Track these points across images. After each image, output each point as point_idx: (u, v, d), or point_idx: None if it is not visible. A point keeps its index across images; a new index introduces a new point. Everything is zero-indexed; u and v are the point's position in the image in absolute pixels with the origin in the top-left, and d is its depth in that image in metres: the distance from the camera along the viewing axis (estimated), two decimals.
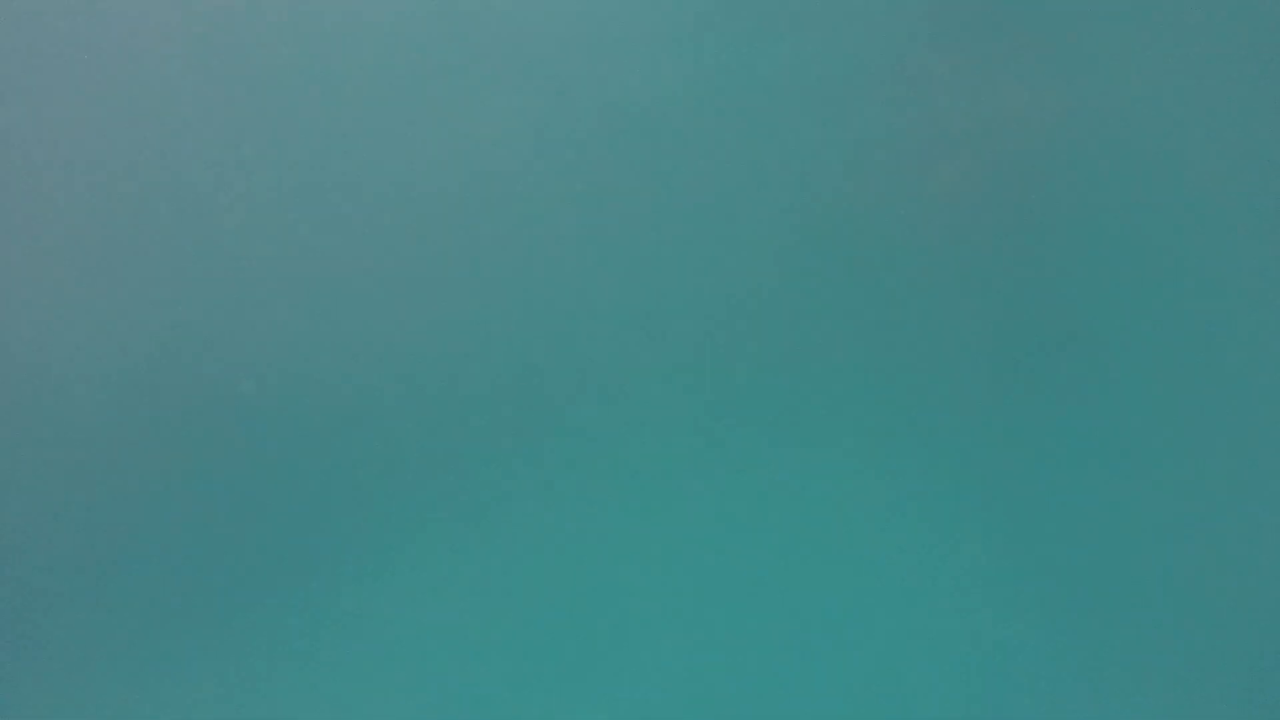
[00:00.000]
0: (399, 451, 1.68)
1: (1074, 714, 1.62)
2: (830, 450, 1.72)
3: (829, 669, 1.65)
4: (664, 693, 1.63)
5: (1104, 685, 1.63)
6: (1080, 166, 1.80)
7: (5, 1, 1.74)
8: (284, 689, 1.59)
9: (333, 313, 1.71)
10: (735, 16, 1.83)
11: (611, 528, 1.67)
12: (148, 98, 1.74)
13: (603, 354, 1.72)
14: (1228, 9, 1.83)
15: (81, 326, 1.68)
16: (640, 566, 1.67)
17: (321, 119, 1.77)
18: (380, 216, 1.74)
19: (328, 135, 1.75)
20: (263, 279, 1.72)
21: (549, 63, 1.80)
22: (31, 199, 1.72)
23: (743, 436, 1.71)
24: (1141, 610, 1.66)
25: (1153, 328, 1.77)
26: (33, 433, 1.66)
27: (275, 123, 1.76)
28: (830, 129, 1.79)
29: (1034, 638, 1.64)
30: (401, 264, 1.74)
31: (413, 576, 1.64)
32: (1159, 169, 1.81)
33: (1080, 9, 1.85)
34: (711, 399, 1.73)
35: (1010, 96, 1.82)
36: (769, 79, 1.81)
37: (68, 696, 1.57)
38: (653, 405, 1.72)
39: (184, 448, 1.66)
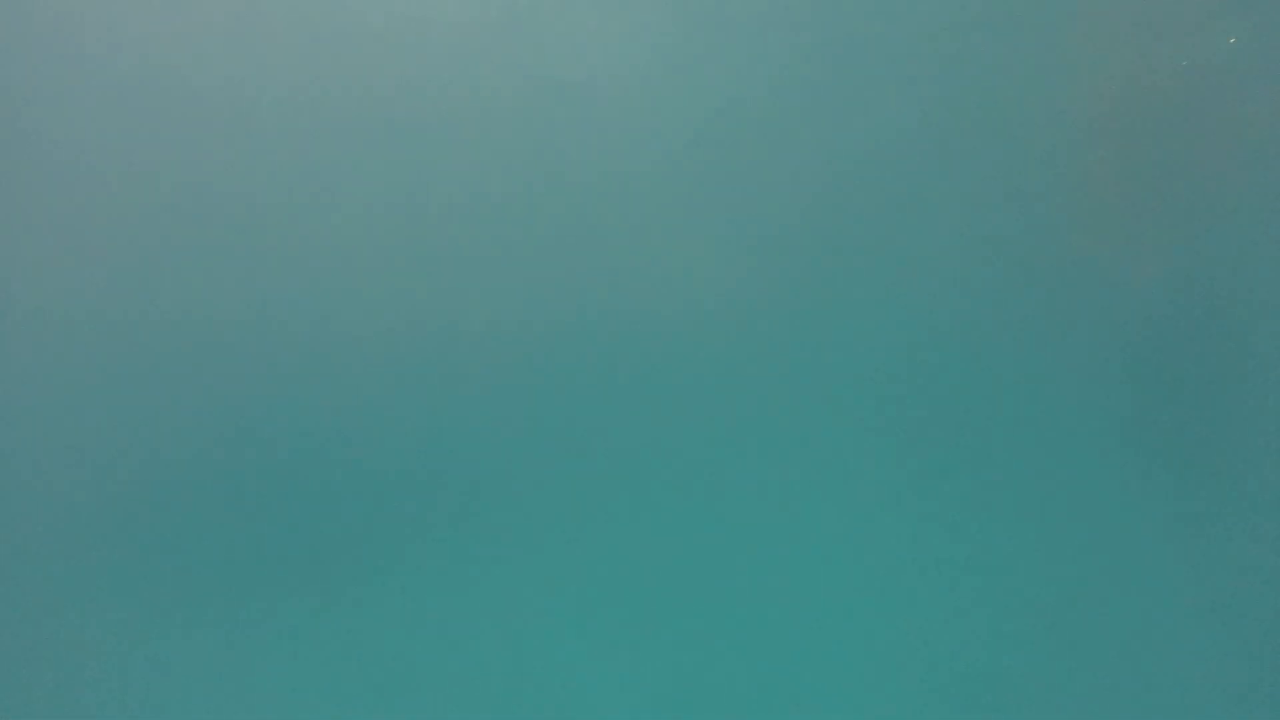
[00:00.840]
0: (401, 456, 1.68)
1: (1074, 713, 1.62)
2: (832, 448, 1.72)
3: (829, 668, 1.65)
4: (664, 691, 1.62)
5: (1103, 683, 1.63)
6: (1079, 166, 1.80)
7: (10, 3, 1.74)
8: (285, 690, 1.59)
9: (336, 313, 1.71)
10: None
11: (614, 527, 1.67)
12: (152, 97, 1.73)
13: (608, 356, 1.72)
14: None
15: (85, 330, 1.68)
16: (641, 564, 1.67)
17: (322, 119, 1.76)
18: (381, 220, 1.74)
19: (328, 135, 1.75)
20: (263, 279, 1.72)
21: (549, 61, 1.80)
22: (32, 199, 1.72)
23: (743, 435, 1.71)
24: (1142, 609, 1.66)
25: (1153, 327, 1.77)
26: (33, 432, 1.65)
27: (277, 123, 1.76)
28: (840, 130, 1.79)
29: (1032, 635, 1.64)
30: (402, 269, 1.74)
31: (414, 578, 1.64)
32: (1147, 161, 1.81)
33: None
34: (712, 398, 1.73)
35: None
36: (769, 83, 1.81)
37: (68, 696, 1.57)
38: (657, 406, 1.72)
39: (188, 453, 1.66)
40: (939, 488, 1.73)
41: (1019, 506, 1.72)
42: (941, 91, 1.82)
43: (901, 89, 1.81)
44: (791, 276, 1.79)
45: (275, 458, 1.68)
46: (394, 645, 1.63)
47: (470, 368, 1.72)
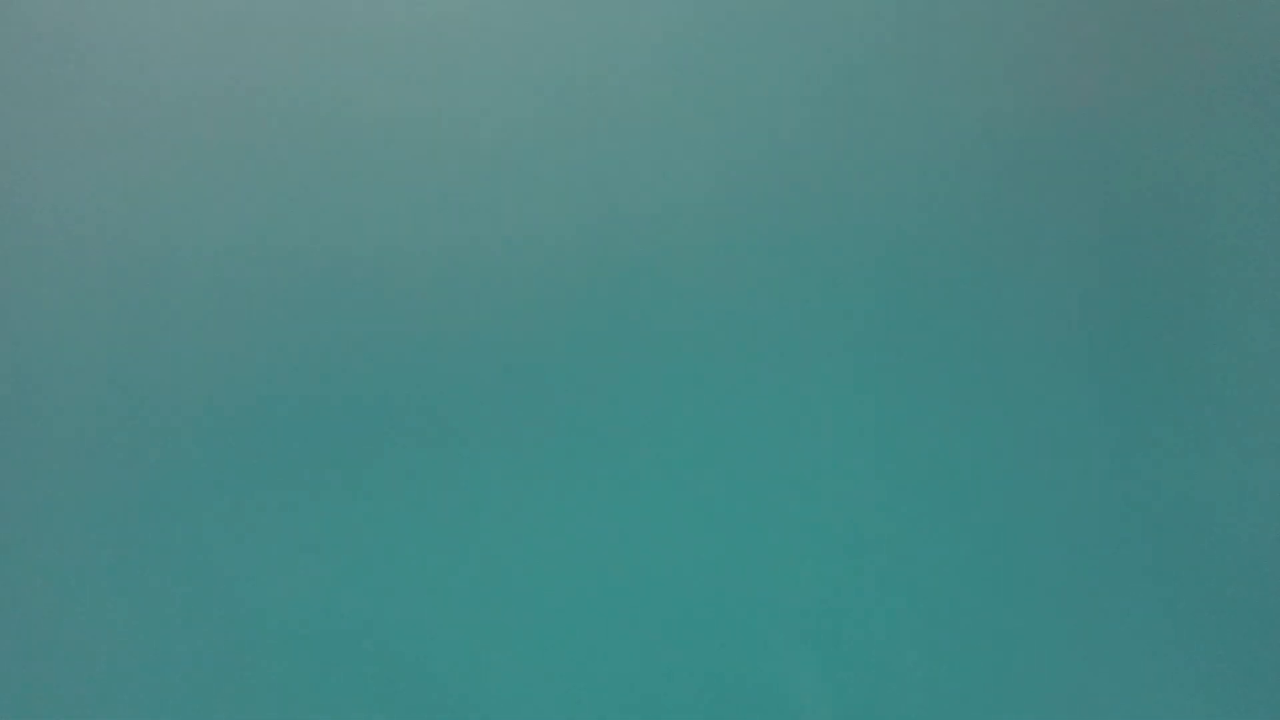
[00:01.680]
0: (395, 442, 1.68)
1: (1074, 712, 1.62)
2: (832, 445, 1.72)
3: (828, 667, 1.65)
4: (663, 691, 1.62)
5: (1105, 682, 1.63)
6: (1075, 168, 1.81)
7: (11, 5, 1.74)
8: (286, 689, 1.59)
9: (332, 308, 1.71)
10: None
11: (612, 521, 1.67)
12: (150, 100, 1.74)
13: (604, 348, 1.72)
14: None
15: (81, 325, 1.68)
16: (640, 560, 1.67)
17: (322, 121, 1.77)
18: (373, 214, 1.74)
19: (328, 138, 1.76)
20: (263, 277, 1.72)
21: (548, 63, 1.81)
22: (33, 199, 1.72)
23: (743, 435, 1.71)
24: (1143, 608, 1.66)
25: (1153, 328, 1.77)
26: (33, 433, 1.66)
27: (277, 125, 1.77)
28: (837, 127, 1.79)
29: (1035, 631, 1.64)
30: (396, 258, 1.74)
31: (409, 573, 1.64)
32: (1151, 168, 1.82)
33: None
34: (711, 396, 1.73)
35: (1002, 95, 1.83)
36: (766, 79, 1.82)
37: (68, 696, 1.57)
38: (651, 398, 1.72)
39: (184, 447, 1.66)
40: (938, 484, 1.73)
41: (1021, 502, 1.72)
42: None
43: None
44: (790, 274, 1.79)
45: (275, 452, 1.68)
46: (395, 643, 1.63)
47: (469, 359, 1.72)
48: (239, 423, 1.66)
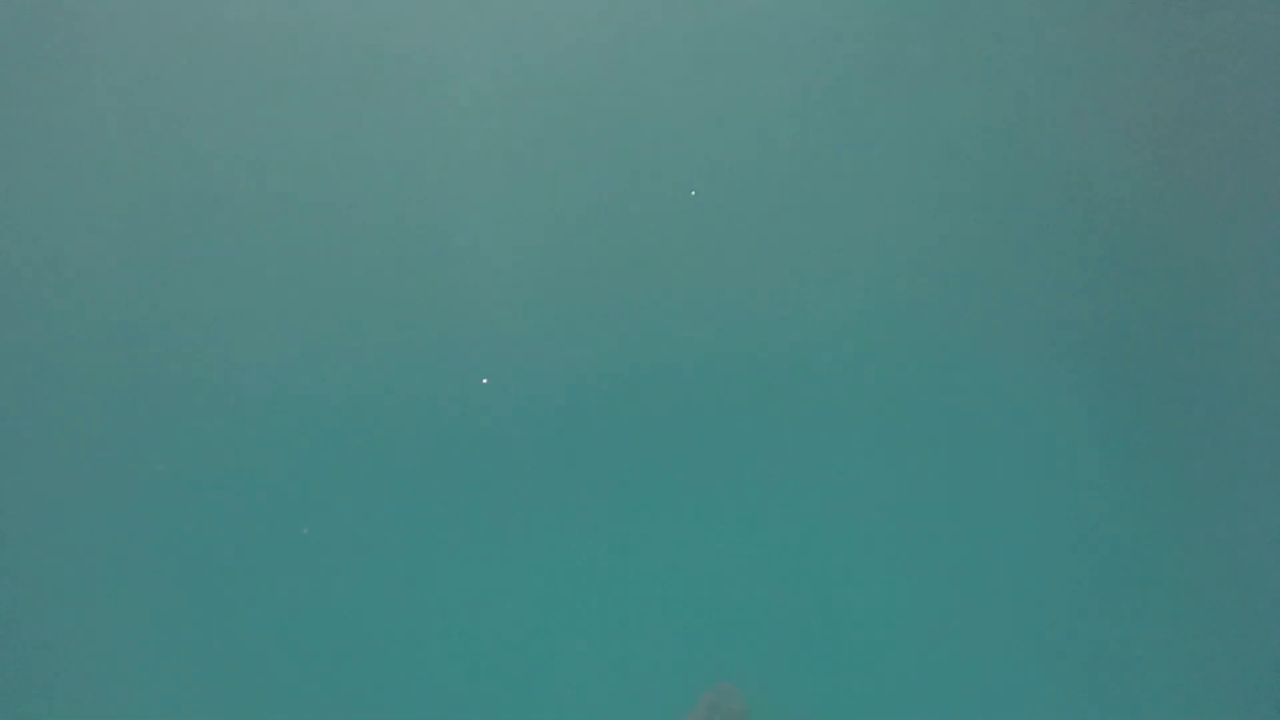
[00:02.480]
0: (409, 453, 1.69)
1: (1074, 712, 1.62)
2: (833, 448, 1.72)
3: (830, 670, 1.66)
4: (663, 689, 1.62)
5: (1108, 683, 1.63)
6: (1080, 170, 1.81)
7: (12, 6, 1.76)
8: (288, 689, 1.59)
9: (342, 314, 1.72)
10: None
11: (617, 527, 1.68)
12: (155, 97, 1.75)
13: (610, 355, 1.73)
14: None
15: (91, 326, 1.69)
16: (640, 563, 1.67)
17: (322, 122, 1.78)
18: (388, 220, 1.75)
19: (328, 138, 1.76)
20: (269, 279, 1.73)
21: (550, 66, 1.82)
22: (34, 199, 1.73)
23: (743, 434, 1.71)
24: (1147, 609, 1.67)
25: (1158, 330, 1.78)
26: (33, 433, 1.66)
27: (277, 125, 1.78)
28: (835, 131, 1.80)
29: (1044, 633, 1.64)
30: (410, 267, 1.75)
31: (421, 576, 1.64)
32: (1153, 168, 1.82)
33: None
34: (713, 400, 1.74)
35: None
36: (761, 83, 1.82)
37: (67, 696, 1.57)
38: (657, 408, 1.73)
39: (190, 450, 1.67)
40: (937, 486, 1.74)
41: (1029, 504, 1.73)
42: None
43: None
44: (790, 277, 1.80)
45: (278, 458, 1.69)
46: (398, 642, 1.64)
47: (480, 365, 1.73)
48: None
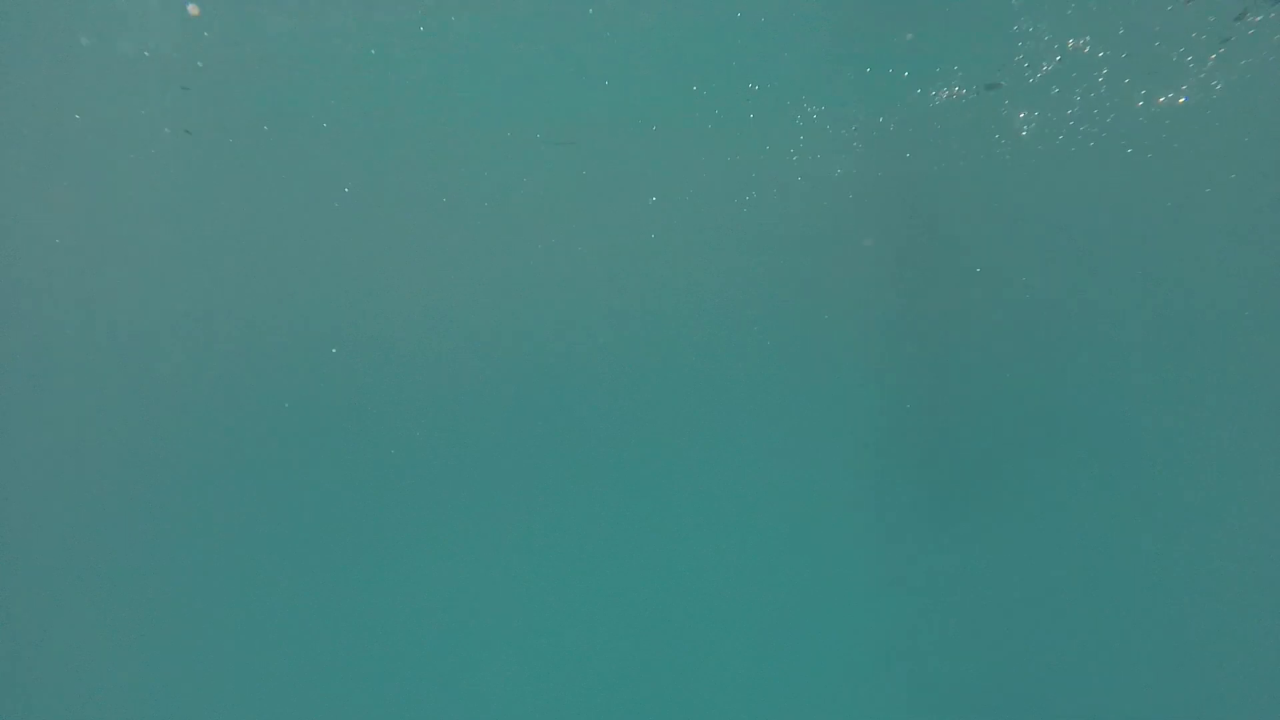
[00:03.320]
0: (401, 449, 1.69)
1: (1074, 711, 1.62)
2: (830, 449, 1.72)
3: (829, 670, 1.65)
4: (662, 690, 1.62)
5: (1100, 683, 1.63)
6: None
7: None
8: (289, 688, 1.59)
9: (340, 311, 1.72)
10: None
11: (613, 523, 1.67)
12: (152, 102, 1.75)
13: (605, 353, 1.73)
14: None
15: (87, 325, 1.69)
16: (639, 561, 1.67)
17: (323, 123, 1.77)
18: (383, 221, 1.75)
19: (329, 139, 1.76)
20: (270, 278, 1.73)
21: (550, 71, 1.81)
22: (34, 200, 1.73)
23: (743, 434, 1.71)
24: (1140, 609, 1.66)
25: (1150, 330, 1.77)
26: (33, 432, 1.66)
27: (278, 126, 1.77)
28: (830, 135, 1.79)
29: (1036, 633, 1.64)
30: (407, 266, 1.75)
31: (416, 572, 1.64)
32: (1137, 177, 1.82)
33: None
34: (709, 398, 1.73)
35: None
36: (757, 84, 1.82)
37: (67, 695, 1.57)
38: (652, 402, 1.72)
39: (192, 450, 1.67)
40: (935, 489, 1.74)
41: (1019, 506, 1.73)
42: None
43: None
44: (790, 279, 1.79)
45: (279, 456, 1.68)
46: (397, 640, 1.63)
47: (475, 365, 1.73)
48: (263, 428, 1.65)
